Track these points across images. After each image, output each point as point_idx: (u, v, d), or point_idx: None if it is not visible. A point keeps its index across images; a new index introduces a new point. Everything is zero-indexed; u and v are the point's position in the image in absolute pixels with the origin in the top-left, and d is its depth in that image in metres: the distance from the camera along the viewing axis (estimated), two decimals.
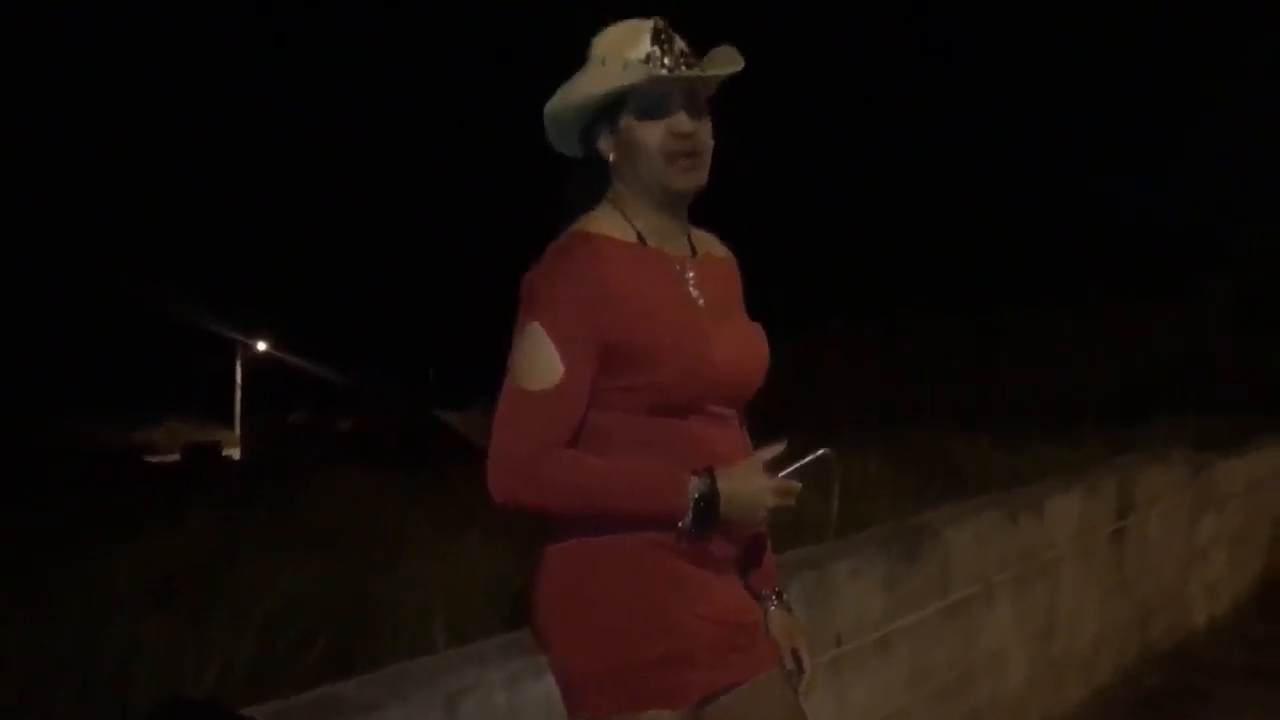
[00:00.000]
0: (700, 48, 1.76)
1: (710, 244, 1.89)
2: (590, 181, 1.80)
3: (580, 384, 1.65)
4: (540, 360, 1.64)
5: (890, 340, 19.54)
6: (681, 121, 1.72)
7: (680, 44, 1.73)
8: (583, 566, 1.68)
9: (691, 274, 1.77)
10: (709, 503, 1.63)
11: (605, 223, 1.74)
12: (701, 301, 1.75)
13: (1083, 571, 4.41)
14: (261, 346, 47.98)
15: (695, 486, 1.63)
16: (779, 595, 1.91)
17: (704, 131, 1.75)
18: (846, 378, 18.00)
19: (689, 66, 1.72)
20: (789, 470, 1.71)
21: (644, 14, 1.75)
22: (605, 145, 1.76)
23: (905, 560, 3.13)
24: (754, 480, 1.67)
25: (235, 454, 32.02)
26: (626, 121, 1.73)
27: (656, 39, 1.71)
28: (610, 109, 1.74)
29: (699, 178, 1.75)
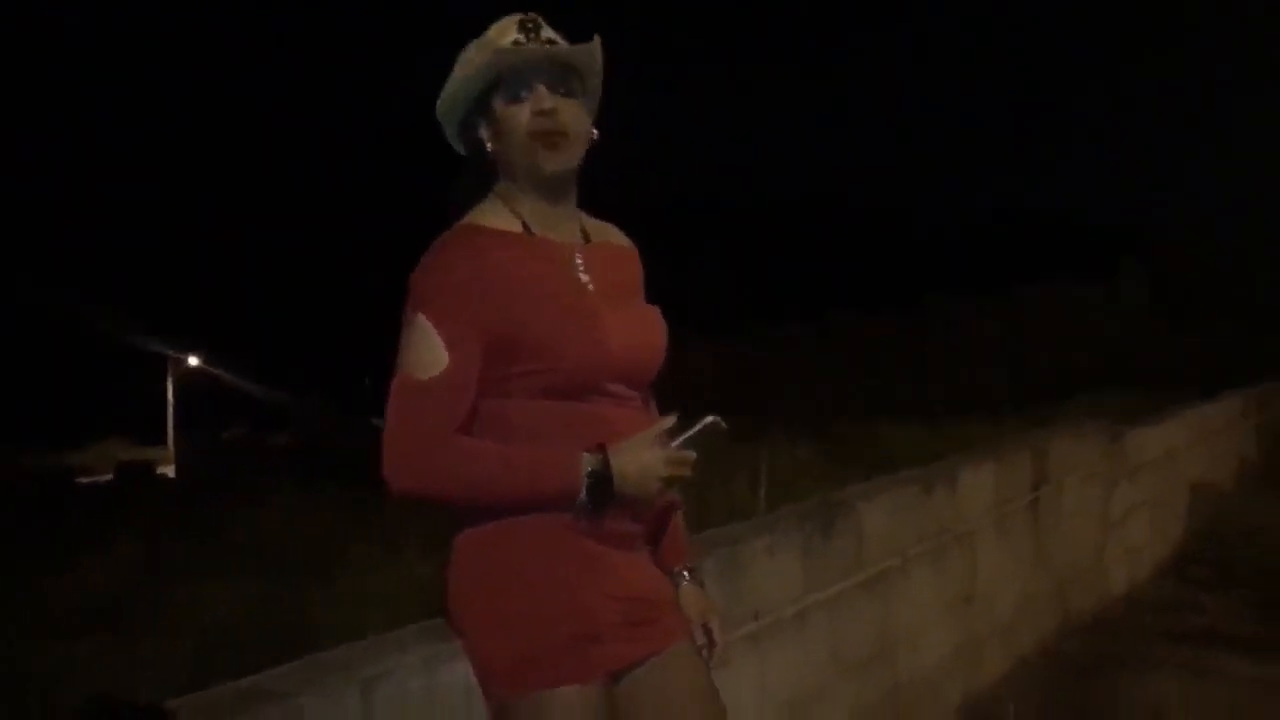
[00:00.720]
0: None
1: (608, 233, 1.95)
2: (478, 175, 1.85)
3: (466, 372, 1.69)
4: (426, 351, 1.68)
5: (824, 341, 19.86)
6: (542, 98, 1.77)
7: (548, 33, 1.81)
8: (490, 552, 1.72)
9: (580, 260, 1.82)
10: (602, 478, 1.68)
11: (489, 215, 1.80)
12: (592, 287, 1.80)
13: (999, 543, 4.55)
14: (193, 361, 47.22)
15: (587, 462, 1.68)
16: (691, 571, 1.97)
17: (568, 111, 1.80)
18: (784, 377, 18.30)
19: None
20: (679, 440, 1.74)
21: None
22: (484, 134, 1.83)
23: (821, 535, 3.22)
24: (645, 453, 1.71)
25: (170, 472, 31.51)
26: (498, 107, 1.79)
27: (523, 27, 1.79)
28: (484, 98, 1.81)
29: (567, 159, 1.80)
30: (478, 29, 1.85)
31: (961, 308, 18.98)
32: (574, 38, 1.84)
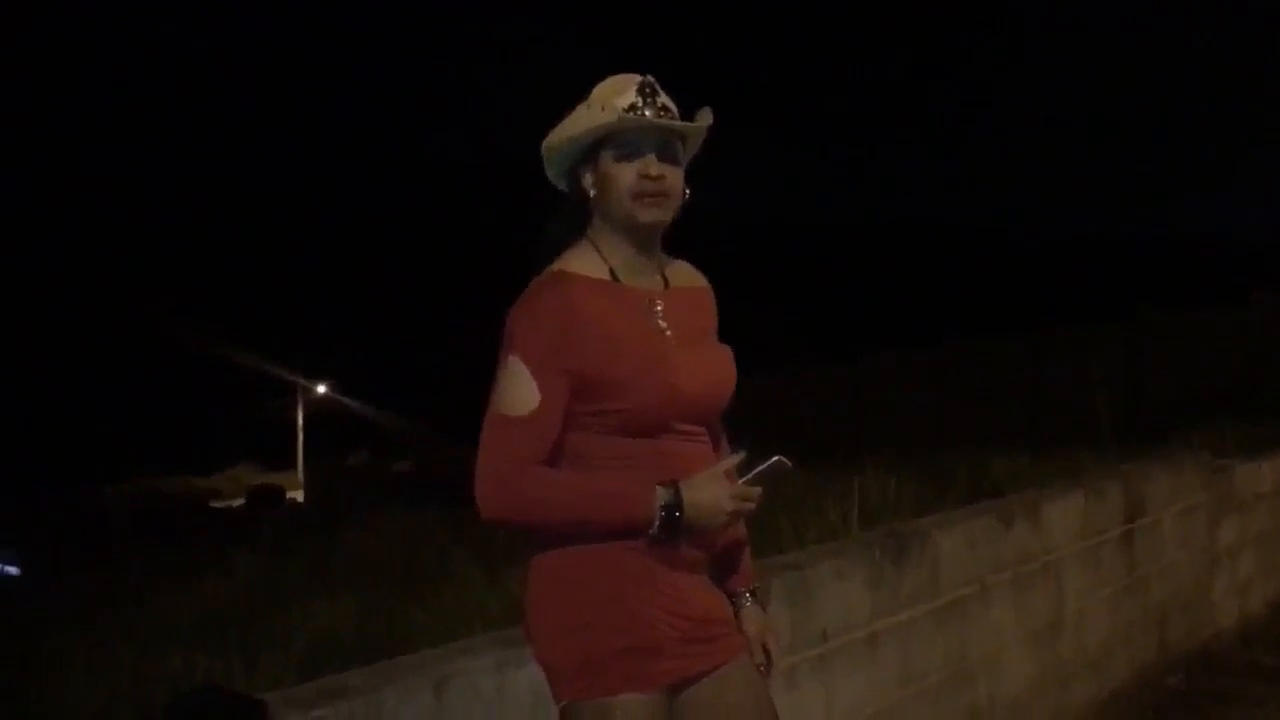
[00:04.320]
0: (690, 109, 1.99)
1: (686, 275, 2.10)
2: (572, 216, 2.02)
3: (554, 410, 1.87)
4: (518, 390, 1.86)
5: (936, 368, 19.57)
6: (650, 164, 1.93)
7: (664, 100, 1.96)
8: (562, 570, 1.90)
9: (660, 306, 1.98)
10: (674, 511, 1.84)
11: (580, 261, 1.96)
12: (669, 332, 1.96)
13: (1089, 574, 4.53)
14: (322, 390, 48.72)
15: (661, 497, 1.84)
16: (753, 593, 2.10)
17: (673, 177, 1.96)
18: (892, 405, 18.13)
19: (668, 119, 1.95)
20: (746, 478, 1.90)
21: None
22: (587, 182, 1.99)
23: (892, 562, 3.31)
24: (714, 489, 1.88)
25: (299, 496, 32.54)
26: (605, 161, 1.95)
27: (641, 91, 1.94)
28: (593, 149, 1.97)
29: (663, 215, 1.96)
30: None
31: (1081, 336, 18.49)
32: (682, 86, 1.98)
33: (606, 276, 1.95)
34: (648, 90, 1.94)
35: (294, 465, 43.40)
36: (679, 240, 2.09)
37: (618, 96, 1.93)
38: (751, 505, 1.92)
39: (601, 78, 1.99)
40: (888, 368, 19.99)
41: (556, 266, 1.95)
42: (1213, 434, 7.59)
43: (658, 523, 1.84)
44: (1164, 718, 4.70)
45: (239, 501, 29.44)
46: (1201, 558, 5.67)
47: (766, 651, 2.07)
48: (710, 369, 1.99)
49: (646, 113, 1.92)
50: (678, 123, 1.96)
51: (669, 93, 1.97)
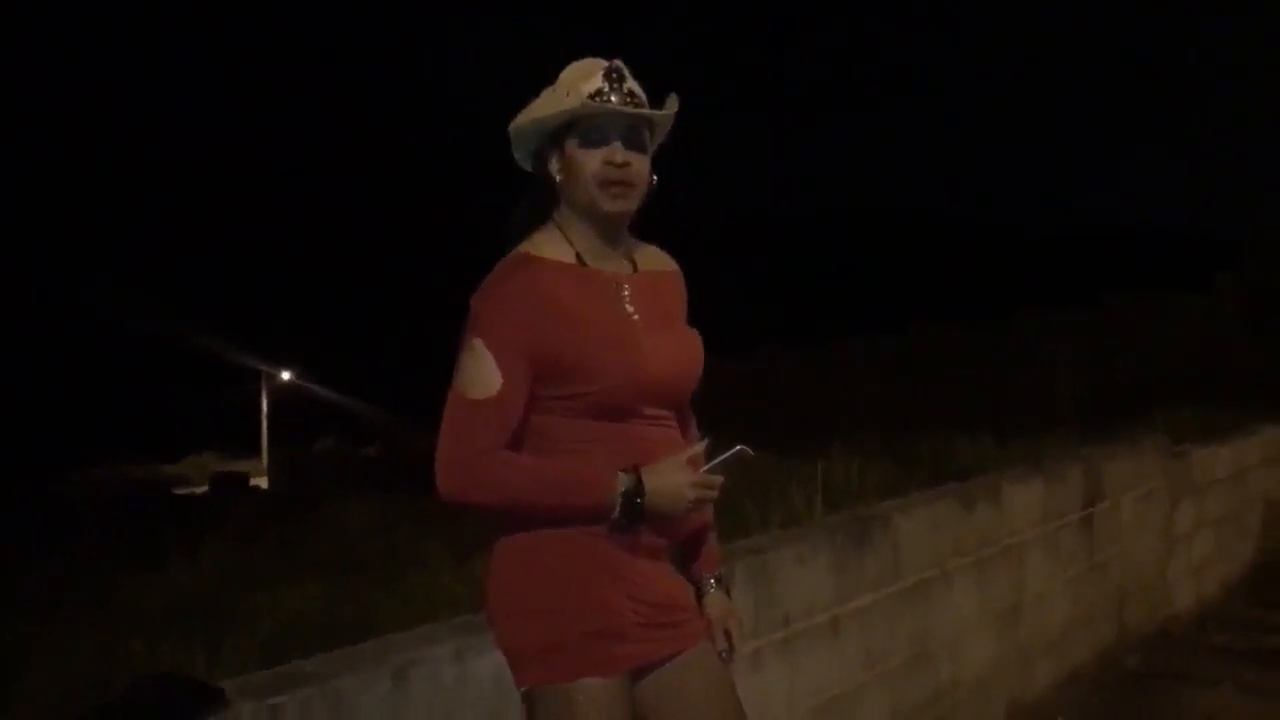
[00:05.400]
0: (659, 95, 1.97)
1: (654, 259, 2.08)
2: (539, 199, 2.00)
3: (517, 393, 1.86)
4: (481, 372, 1.85)
5: (903, 354, 19.69)
6: (616, 151, 1.91)
7: (631, 85, 1.94)
8: (524, 555, 1.89)
9: (627, 290, 1.97)
10: (635, 497, 1.84)
11: (547, 244, 1.95)
12: (636, 316, 1.95)
13: (1049, 557, 4.58)
14: (286, 376, 48.40)
15: (623, 482, 1.84)
16: (718, 579, 2.11)
17: (639, 164, 1.95)
18: (859, 390, 18.23)
19: (634, 106, 1.93)
20: (708, 466, 1.91)
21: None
22: (553, 167, 1.97)
23: (854, 546, 3.33)
24: (676, 476, 1.87)
25: (263, 483, 32.36)
26: (571, 147, 1.93)
27: (608, 76, 1.92)
28: (559, 133, 1.95)
29: (627, 204, 1.95)
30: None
31: (1045, 320, 18.64)
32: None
33: (573, 260, 1.94)
34: (614, 76, 1.92)
35: (258, 452, 43.14)
36: (650, 226, 2.07)
37: (584, 82, 1.92)
38: (713, 493, 1.92)
39: (576, 58, 1.97)
40: (855, 353, 20.11)
41: (522, 249, 1.94)
42: (1172, 418, 7.69)
43: (618, 508, 1.84)
44: (1123, 697, 4.76)
45: (203, 489, 29.22)
46: (1160, 541, 5.75)
47: (729, 636, 2.07)
48: (677, 353, 1.98)
49: (613, 99, 1.90)
50: (644, 110, 1.94)
51: (640, 78, 1.96)
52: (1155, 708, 4.65)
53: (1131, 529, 5.39)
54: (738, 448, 1.90)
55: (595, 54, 1.97)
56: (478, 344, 1.86)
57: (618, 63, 1.95)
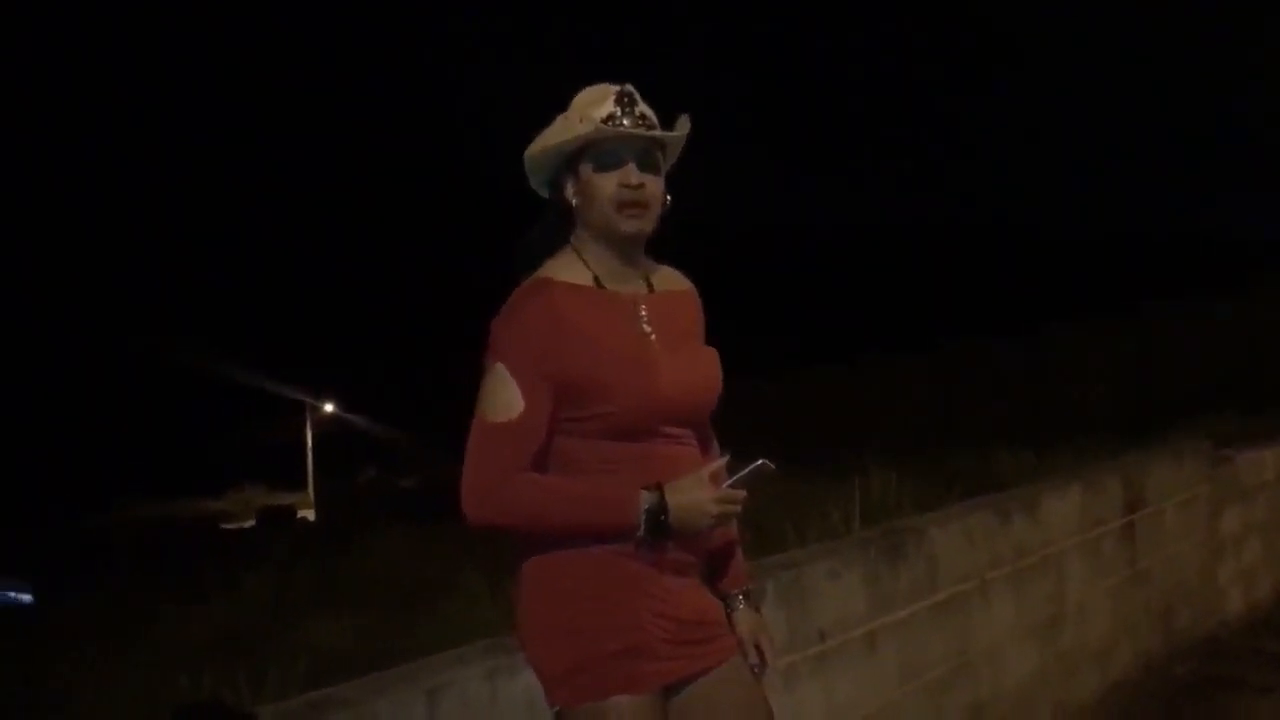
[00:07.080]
0: (671, 116, 1.99)
1: (670, 279, 2.11)
2: (556, 224, 2.03)
3: (539, 416, 1.88)
4: (503, 396, 1.88)
5: (939, 368, 19.55)
6: (630, 173, 1.94)
7: (642, 109, 1.97)
8: (551, 575, 1.91)
9: (644, 310, 2.00)
10: (658, 514, 1.86)
11: (564, 268, 1.98)
12: (654, 336, 1.97)
13: (1090, 566, 4.53)
14: (329, 408, 48.81)
15: (646, 500, 1.86)
16: (746, 595, 2.11)
17: (653, 185, 1.98)
18: (895, 406, 18.11)
19: (647, 129, 1.96)
20: (730, 481, 1.92)
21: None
22: (569, 192, 2.00)
23: (887, 560, 3.32)
24: (698, 492, 1.89)
25: (310, 515, 32.57)
26: (585, 171, 1.96)
27: (620, 101, 1.96)
28: (573, 158, 1.98)
29: (644, 225, 1.98)
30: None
31: (1085, 329, 18.45)
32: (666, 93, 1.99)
33: (590, 282, 1.96)
34: (625, 100, 1.95)
35: (303, 484, 43.46)
36: (674, 246, 2.10)
37: (595, 107, 1.95)
38: (737, 508, 1.93)
39: (590, 83, 2.00)
40: (890, 368, 19.98)
41: (541, 273, 1.97)
42: (1215, 424, 7.59)
43: (643, 526, 1.85)
44: (1172, 706, 4.69)
45: (250, 523, 29.50)
46: (1205, 548, 5.67)
47: (761, 652, 2.07)
48: (695, 372, 2.00)
49: (624, 122, 1.93)
50: (656, 132, 1.97)
51: (654, 101, 1.98)
52: (1204, 716, 4.57)
53: (1175, 536, 5.32)
54: (759, 462, 1.91)
55: (607, 79, 2.00)
56: (499, 368, 1.89)
57: (629, 87, 1.98)
